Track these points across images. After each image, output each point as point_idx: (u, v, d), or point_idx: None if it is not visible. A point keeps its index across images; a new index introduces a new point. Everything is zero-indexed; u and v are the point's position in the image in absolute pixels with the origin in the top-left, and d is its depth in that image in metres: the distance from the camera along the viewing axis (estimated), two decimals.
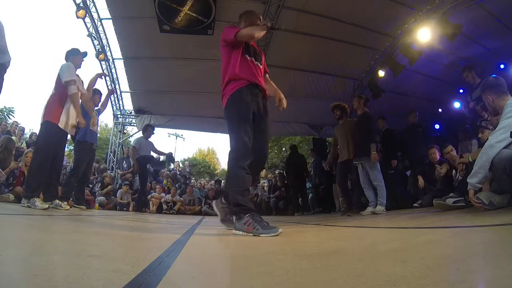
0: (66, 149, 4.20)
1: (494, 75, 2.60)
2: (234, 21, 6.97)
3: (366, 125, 4.29)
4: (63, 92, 3.36)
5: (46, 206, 3.03)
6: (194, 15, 5.85)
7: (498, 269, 0.67)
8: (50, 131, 3.27)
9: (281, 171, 9.58)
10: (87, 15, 6.45)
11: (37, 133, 3.55)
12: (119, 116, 9.11)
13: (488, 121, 3.35)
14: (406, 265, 0.78)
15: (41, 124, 3.34)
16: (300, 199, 7.12)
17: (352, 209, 4.35)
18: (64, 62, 3.53)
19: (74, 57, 3.58)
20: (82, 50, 3.71)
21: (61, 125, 3.31)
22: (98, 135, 4.66)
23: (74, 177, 4.20)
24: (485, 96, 2.24)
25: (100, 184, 6.81)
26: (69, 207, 3.65)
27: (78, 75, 3.63)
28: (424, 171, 4.36)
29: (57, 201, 3.44)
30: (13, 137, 5.33)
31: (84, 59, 3.71)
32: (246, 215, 1.77)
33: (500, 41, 6.10)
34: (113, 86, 8.25)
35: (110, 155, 8.99)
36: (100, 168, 7.63)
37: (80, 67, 3.65)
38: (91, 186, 6.61)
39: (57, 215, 2.74)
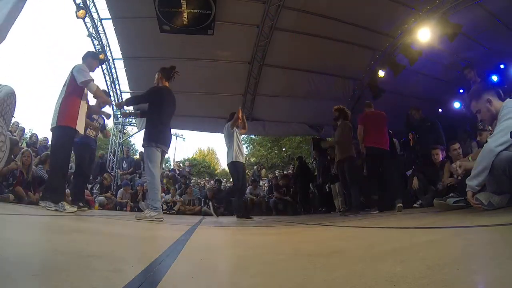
0: None
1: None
2: (234, 21, 7.00)
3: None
4: (77, 94, 3.32)
5: (75, 209, 3.07)
6: (196, 10, 5.87)
7: (498, 269, 0.67)
8: (69, 135, 3.25)
9: (284, 172, 9.59)
10: (87, 15, 6.45)
11: (52, 137, 3.40)
12: (119, 116, 9.11)
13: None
14: (406, 265, 0.78)
15: (55, 128, 3.23)
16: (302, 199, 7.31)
17: (350, 209, 4.35)
18: (80, 62, 3.56)
19: (93, 60, 3.63)
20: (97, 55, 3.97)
21: (78, 128, 3.30)
22: (99, 135, 4.64)
23: (81, 178, 4.21)
24: (483, 99, 2.12)
25: (99, 185, 6.80)
26: (75, 209, 3.59)
27: None
28: (424, 171, 4.35)
29: (64, 203, 3.43)
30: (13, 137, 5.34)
31: (99, 65, 3.80)
32: None
33: (500, 41, 6.10)
34: (113, 87, 8.25)
35: (110, 155, 8.99)
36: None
37: (93, 71, 3.69)
38: (90, 186, 6.61)
39: (57, 215, 2.74)
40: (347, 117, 4.77)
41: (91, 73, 3.61)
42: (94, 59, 3.67)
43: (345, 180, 4.64)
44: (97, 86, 3.39)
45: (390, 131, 6.76)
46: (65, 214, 2.85)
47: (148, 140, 3.22)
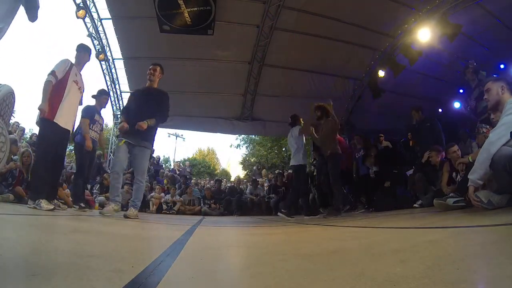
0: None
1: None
2: (234, 21, 7.01)
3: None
4: (58, 88, 3.20)
5: (52, 207, 2.97)
6: (196, 8, 5.87)
7: (498, 269, 0.67)
8: (47, 128, 3.14)
9: (281, 171, 9.57)
10: (87, 15, 6.45)
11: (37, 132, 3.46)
12: (119, 116, 9.11)
13: (491, 121, 3.34)
14: (406, 265, 0.78)
15: (38, 122, 3.21)
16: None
17: (332, 211, 4.27)
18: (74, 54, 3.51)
19: (85, 53, 3.56)
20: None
21: (57, 121, 3.15)
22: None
23: (81, 179, 4.20)
24: (499, 83, 2.17)
25: (99, 185, 6.80)
26: (53, 207, 3.45)
27: (81, 75, 3.52)
28: (424, 171, 4.36)
29: (55, 201, 3.41)
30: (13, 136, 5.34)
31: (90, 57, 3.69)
32: None
33: (500, 41, 6.10)
34: (113, 87, 8.25)
35: (110, 155, 8.99)
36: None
37: (89, 60, 3.63)
38: (90, 186, 6.60)
39: (57, 215, 2.74)
40: (329, 114, 4.65)
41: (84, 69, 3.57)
42: (86, 51, 3.57)
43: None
44: (49, 86, 3.11)
45: (382, 135, 6.86)
46: (42, 212, 2.75)
47: (152, 144, 3.40)
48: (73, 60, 3.42)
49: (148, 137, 3.36)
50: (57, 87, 3.18)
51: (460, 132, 5.50)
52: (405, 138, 7.89)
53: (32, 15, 2.09)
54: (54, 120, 3.12)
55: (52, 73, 3.14)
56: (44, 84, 3.11)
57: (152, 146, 3.50)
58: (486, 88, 2.27)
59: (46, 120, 3.11)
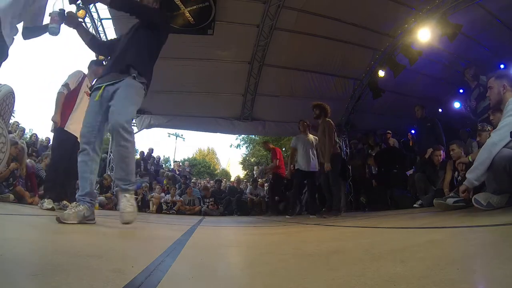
0: None
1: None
2: (234, 21, 7.00)
3: None
4: (70, 98, 3.44)
5: (50, 206, 3.12)
6: (195, 6, 5.87)
7: (498, 269, 0.67)
8: (60, 136, 3.40)
9: None
10: (87, 15, 6.44)
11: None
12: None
13: (490, 122, 3.35)
14: (406, 265, 0.78)
15: (53, 130, 3.53)
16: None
17: (331, 211, 4.27)
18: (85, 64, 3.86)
19: (95, 66, 3.73)
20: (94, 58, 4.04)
21: (68, 129, 3.37)
22: None
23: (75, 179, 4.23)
24: (500, 82, 2.16)
25: (99, 185, 6.80)
26: (51, 206, 3.63)
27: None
28: (424, 171, 4.36)
29: (64, 202, 3.45)
30: (13, 135, 5.34)
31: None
32: None
33: (500, 41, 6.10)
34: None
35: (110, 155, 8.98)
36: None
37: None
38: None
39: (57, 215, 2.73)
40: (327, 114, 4.61)
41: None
42: (98, 65, 3.73)
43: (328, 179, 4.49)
44: (61, 97, 3.37)
45: (390, 131, 6.89)
46: (42, 212, 2.89)
47: (144, 73, 1.98)
48: (85, 70, 3.67)
49: (131, 61, 1.95)
50: (69, 97, 3.44)
51: (460, 132, 5.50)
52: (405, 138, 7.89)
53: (27, 37, 2.13)
54: (65, 128, 3.36)
55: (66, 85, 3.40)
56: (57, 96, 3.38)
57: (145, 75, 2.01)
58: (488, 85, 2.27)
59: (58, 128, 3.38)
